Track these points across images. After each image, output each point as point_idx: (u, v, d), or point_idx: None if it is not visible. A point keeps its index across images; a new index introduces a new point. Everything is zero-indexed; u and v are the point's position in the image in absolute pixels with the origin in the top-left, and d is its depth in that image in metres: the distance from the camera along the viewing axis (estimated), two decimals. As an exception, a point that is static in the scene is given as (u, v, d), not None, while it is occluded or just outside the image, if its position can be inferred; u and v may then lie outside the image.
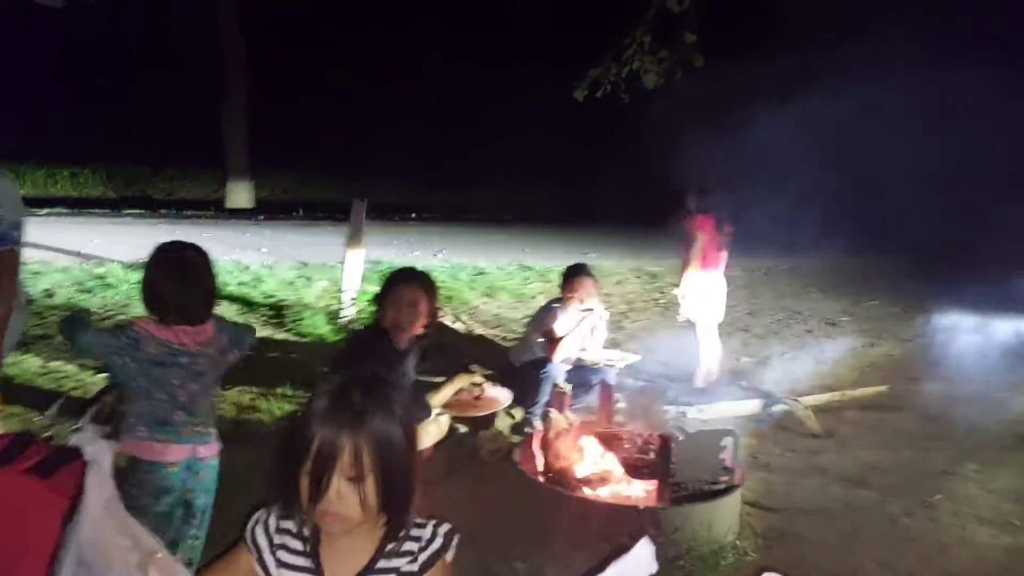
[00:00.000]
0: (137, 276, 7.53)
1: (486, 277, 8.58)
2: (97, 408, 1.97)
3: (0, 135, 14.40)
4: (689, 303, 6.02)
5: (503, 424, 4.83)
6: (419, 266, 8.55)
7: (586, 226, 11.00)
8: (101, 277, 7.54)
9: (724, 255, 6.06)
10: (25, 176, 15.74)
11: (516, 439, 4.53)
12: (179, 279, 2.74)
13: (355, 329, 4.24)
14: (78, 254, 8.44)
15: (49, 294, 7.00)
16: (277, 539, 1.53)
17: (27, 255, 7.62)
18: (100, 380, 5.31)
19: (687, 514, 3.56)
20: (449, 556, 1.57)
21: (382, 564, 1.51)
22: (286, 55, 16.89)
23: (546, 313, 4.94)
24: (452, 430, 4.59)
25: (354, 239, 6.72)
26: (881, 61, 7.89)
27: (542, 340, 4.91)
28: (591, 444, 3.99)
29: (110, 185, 16.40)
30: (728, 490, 3.74)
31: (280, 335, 6.66)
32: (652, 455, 3.90)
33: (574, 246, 10.34)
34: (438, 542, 1.55)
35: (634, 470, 3.83)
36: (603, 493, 3.76)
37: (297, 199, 15.10)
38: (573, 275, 5.10)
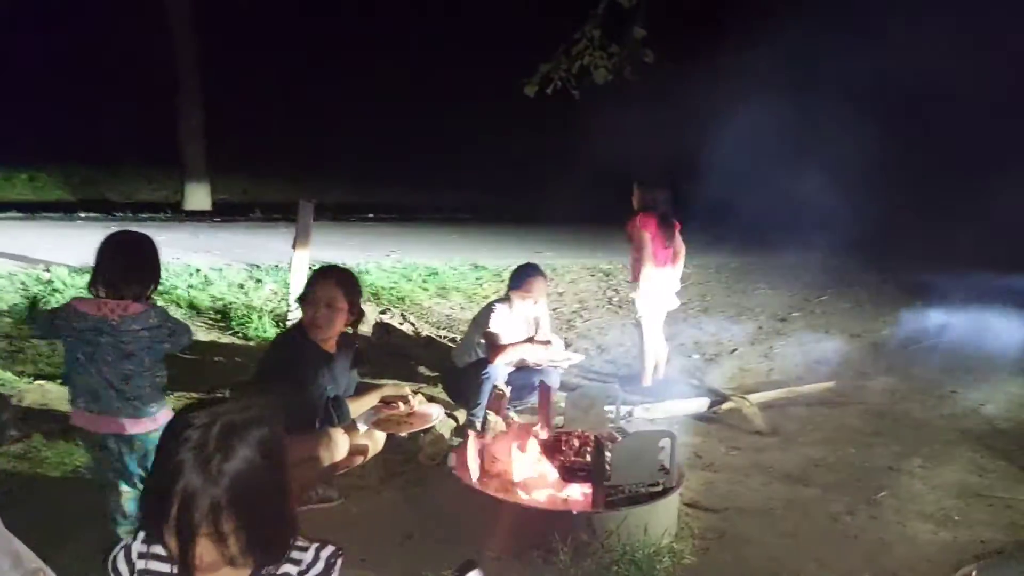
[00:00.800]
0: (83, 280, 7.37)
1: (438, 277, 8.48)
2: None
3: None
4: (642, 301, 5.98)
5: (444, 428, 4.74)
6: (369, 266, 8.51)
7: (540, 224, 10.95)
8: (48, 282, 7.32)
9: (674, 252, 6.02)
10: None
11: (456, 443, 4.45)
12: (111, 253, 3.02)
13: (281, 332, 4.15)
14: (24, 259, 8.20)
15: (-8, 300, 6.77)
16: (140, 564, 1.48)
17: (-32, 260, 7.51)
18: (43, 384, 5.17)
19: (622, 518, 3.51)
20: None
21: None
22: (239, 53, 16.63)
23: (487, 314, 4.86)
24: (391, 435, 4.53)
25: (301, 240, 6.59)
26: (832, 51, 7.95)
27: (483, 342, 4.83)
28: (527, 447, 3.92)
29: (67, 188, 16.02)
30: (665, 492, 3.70)
31: (226, 338, 6.53)
32: (589, 458, 3.84)
33: (527, 245, 10.25)
34: (320, 566, 1.50)
35: (570, 473, 3.76)
36: (538, 497, 3.70)
37: (256, 200, 14.86)
38: (525, 275, 5.00)
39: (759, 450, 5.07)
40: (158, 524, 1.35)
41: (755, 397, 5.72)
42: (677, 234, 6.02)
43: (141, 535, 1.51)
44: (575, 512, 3.55)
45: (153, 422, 3.08)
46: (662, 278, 5.97)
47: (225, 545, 1.35)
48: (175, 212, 13.62)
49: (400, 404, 3.81)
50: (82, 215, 12.81)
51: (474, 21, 16.59)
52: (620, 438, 3.97)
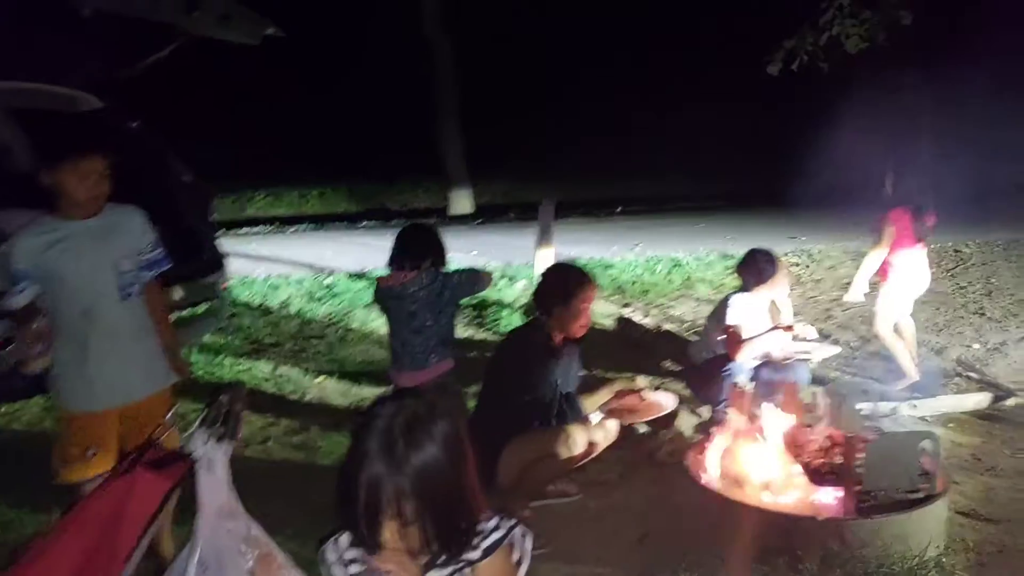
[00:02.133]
0: (359, 283, 8.16)
1: (683, 269, 8.31)
2: (212, 409, 2.16)
3: (260, 164, 16.45)
4: (892, 304, 5.43)
5: (686, 424, 4.67)
6: (614, 260, 8.57)
7: (793, 208, 10.30)
8: (329, 287, 8.20)
9: (923, 247, 5.39)
10: (282, 198, 17.70)
11: (696, 440, 4.36)
12: (397, 238, 3.92)
13: (513, 330, 4.32)
14: (311, 267, 9.27)
15: (284, 305, 7.73)
16: (348, 555, 1.61)
17: (269, 270, 8.66)
18: (321, 381, 5.85)
19: (877, 526, 3.23)
20: (516, 551, 1.60)
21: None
22: (489, 56, 17.44)
23: (724, 307, 4.68)
24: (631, 431, 4.54)
25: (544, 239, 6.82)
26: None
27: (723, 337, 4.67)
28: (771, 447, 3.74)
29: (352, 200, 17.90)
30: (928, 499, 3.35)
31: (480, 335, 6.91)
32: (839, 460, 3.58)
33: (780, 230, 9.71)
34: (499, 533, 1.58)
35: (818, 476, 3.52)
36: (782, 501, 3.52)
37: (514, 202, 15.57)
38: (763, 265, 4.72)
39: (1052, 453, 4.41)
40: (349, 510, 1.47)
41: (1050, 392, 4.99)
42: (934, 226, 5.38)
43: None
44: (822, 518, 3.33)
45: (428, 373, 3.82)
46: (913, 277, 5.38)
47: (409, 531, 1.45)
48: (441, 217, 14.65)
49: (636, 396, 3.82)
50: (362, 224, 14.23)
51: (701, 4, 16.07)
52: (872, 438, 3.65)
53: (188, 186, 4.98)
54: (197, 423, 2.15)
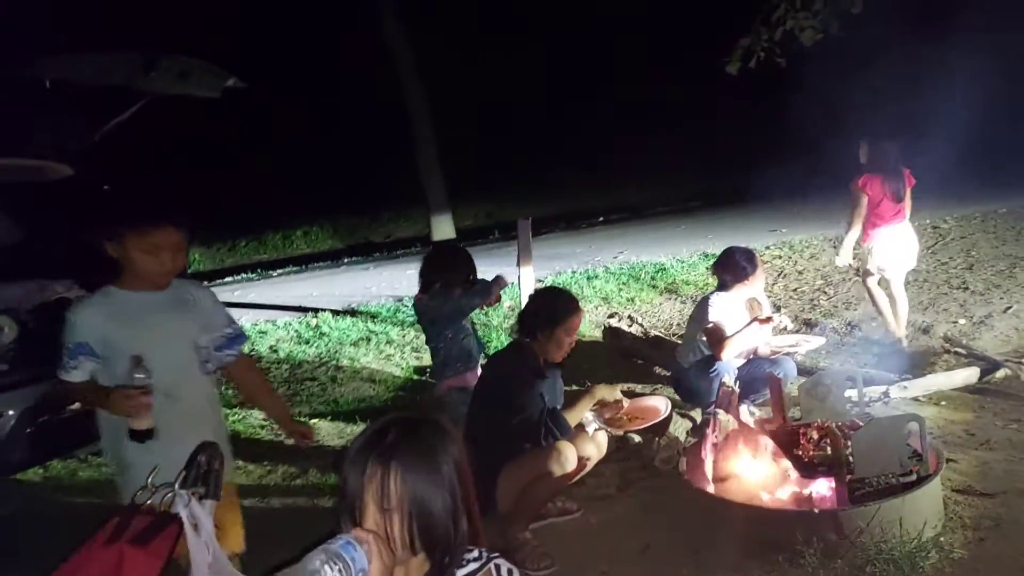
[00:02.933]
0: (346, 322, 8.17)
1: (667, 273, 8.34)
2: (191, 470, 2.17)
3: (242, 211, 16.50)
4: (876, 259, 5.77)
5: (679, 430, 4.68)
6: (597, 270, 8.58)
7: (771, 201, 10.36)
8: (317, 328, 8.20)
9: (904, 206, 5.67)
10: (266, 242, 17.73)
11: (689, 444, 4.38)
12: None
13: (496, 352, 4.35)
14: (297, 309, 9.28)
15: (274, 350, 7.73)
16: None
17: (255, 316, 8.66)
18: (315, 423, 5.83)
19: (872, 513, 3.24)
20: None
21: None
22: (460, 80, 17.55)
23: (704, 308, 4.70)
24: (626, 441, 4.56)
25: (524, 257, 6.83)
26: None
27: (705, 339, 4.69)
28: (760, 444, 3.76)
29: (336, 237, 17.95)
30: (921, 480, 3.37)
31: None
32: (829, 450, 3.60)
33: (760, 223, 9.77)
34: (476, 564, 1.60)
35: (810, 469, 3.54)
36: (777, 497, 3.54)
37: (496, 222, 15.63)
38: (742, 263, 4.74)
39: (1046, 423, 4.43)
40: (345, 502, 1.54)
41: (1037, 361, 5.02)
42: (912, 184, 5.69)
43: None
44: (818, 510, 3.35)
45: (440, 387, 4.28)
46: (894, 236, 5.69)
47: (391, 523, 1.49)
48: (425, 244, 14.69)
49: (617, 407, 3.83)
50: (346, 260, 14.27)
51: (660, 8, 16.25)
52: (862, 425, 3.67)
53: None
54: (177, 484, 2.16)
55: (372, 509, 1.50)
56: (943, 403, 4.86)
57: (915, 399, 4.90)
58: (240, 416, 5.96)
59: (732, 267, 4.72)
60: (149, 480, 2.18)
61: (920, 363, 5.42)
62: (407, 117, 14.77)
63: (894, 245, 5.71)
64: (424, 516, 1.50)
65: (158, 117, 5.45)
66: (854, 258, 6.02)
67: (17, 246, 5.06)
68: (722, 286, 4.77)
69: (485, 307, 4.68)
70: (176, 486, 2.15)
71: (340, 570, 1.39)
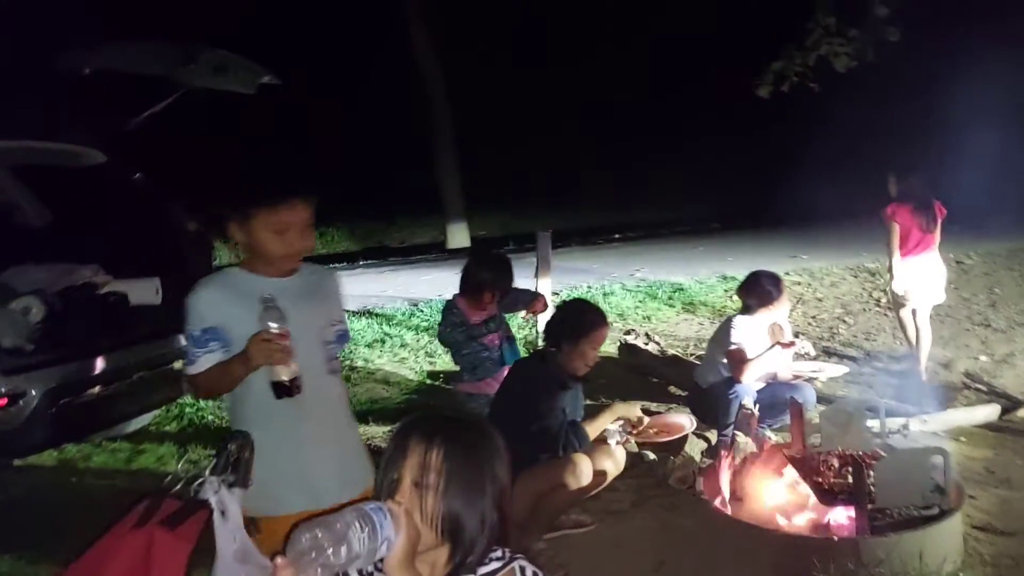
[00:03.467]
0: (361, 323, 8.19)
1: (684, 293, 8.32)
2: (221, 458, 2.17)
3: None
4: (902, 290, 5.76)
5: (694, 449, 4.65)
6: (614, 287, 8.57)
7: (792, 226, 10.32)
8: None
9: (932, 236, 5.68)
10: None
11: (706, 465, 4.35)
12: None
13: (519, 360, 4.34)
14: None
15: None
16: None
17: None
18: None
19: (892, 544, 3.22)
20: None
21: None
22: (483, 89, 17.62)
23: (727, 330, 4.68)
24: (642, 457, 4.54)
25: (542, 270, 6.84)
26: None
27: (726, 360, 4.67)
28: (780, 469, 3.74)
29: (353, 239, 17.99)
30: (942, 515, 3.34)
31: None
32: (850, 479, 3.57)
33: (781, 248, 9.71)
34: (497, 563, 1.57)
35: (830, 497, 3.51)
36: (795, 523, 3.51)
37: (511, 233, 15.64)
38: (768, 286, 4.72)
39: (1066, 463, 4.39)
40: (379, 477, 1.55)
41: (1060, 402, 4.98)
42: (943, 215, 5.71)
43: None
44: (838, 538, 3.32)
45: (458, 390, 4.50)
46: (920, 267, 5.68)
47: (425, 502, 1.47)
48: (440, 251, 14.71)
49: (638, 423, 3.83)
50: (362, 263, 14.29)
51: (692, 28, 16.29)
52: (884, 456, 3.65)
53: (191, 235, 5.01)
54: (208, 471, 2.17)
55: (408, 483, 1.49)
56: (962, 439, 4.82)
57: (935, 433, 4.86)
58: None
59: (758, 291, 4.70)
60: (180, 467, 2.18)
61: (940, 398, 5.37)
62: (429, 125, 14.86)
63: (920, 275, 5.69)
64: (456, 500, 1.49)
65: (191, 110, 5.49)
66: (885, 291, 6.03)
67: (46, 229, 5.12)
68: (746, 309, 4.75)
69: (530, 315, 5.09)
70: (207, 473, 2.16)
71: (368, 532, 1.38)
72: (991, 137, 6.63)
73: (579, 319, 3.70)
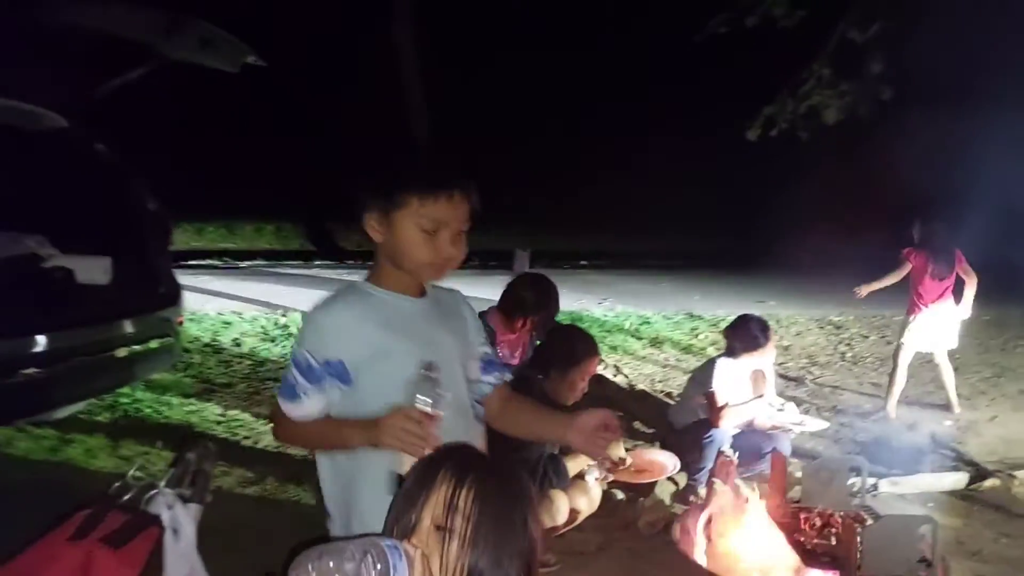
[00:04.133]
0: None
1: (651, 327, 8.20)
2: (179, 468, 1.90)
3: (215, 192, 16.05)
4: (909, 340, 6.03)
5: (664, 492, 4.47)
6: (582, 314, 8.41)
7: (759, 271, 10.34)
8: (284, 327, 7.88)
9: (948, 286, 5.90)
10: (236, 231, 17.26)
11: (677, 510, 4.17)
12: None
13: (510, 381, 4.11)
14: (265, 304, 8.91)
15: (237, 343, 7.38)
16: None
17: (221, 306, 8.29)
18: (269, 428, 5.50)
19: (876, 614, 3.07)
20: None
21: None
22: (457, 106, 17.49)
23: (709, 371, 4.54)
24: (609, 497, 4.33)
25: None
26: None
27: (704, 402, 4.52)
28: (760, 522, 3.57)
29: (308, 238, 17.57)
30: (928, 588, 3.21)
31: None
32: (834, 540, 3.42)
33: (747, 293, 9.69)
34: None
35: (811, 557, 3.37)
36: (773, 582, 3.34)
37: (474, 248, 15.45)
38: (755, 332, 4.59)
39: (1036, 538, 4.32)
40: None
41: (1024, 475, 4.94)
42: (963, 264, 5.90)
43: None
44: (818, 603, 3.16)
45: None
46: (933, 316, 5.92)
47: (447, 550, 1.27)
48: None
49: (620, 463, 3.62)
50: (317, 263, 13.93)
51: (685, 62, 16.45)
52: (868, 519, 3.51)
53: (151, 214, 4.68)
54: (163, 483, 1.90)
55: (427, 525, 1.28)
56: (930, 504, 4.73)
57: (902, 496, 4.78)
58: (196, 408, 5.63)
59: (744, 335, 4.57)
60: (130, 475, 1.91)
61: (908, 459, 5.30)
62: (405, 125, 14.66)
63: (932, 328, 5.94)
64: (484, 554, 1.27)
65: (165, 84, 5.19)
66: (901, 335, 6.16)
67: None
68: (730, 352, 4.61)
69: None
70: (162, 484, 1.89)
71: (380, 571, 1.18)
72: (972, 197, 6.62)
73: (571, 347, 3.50)
